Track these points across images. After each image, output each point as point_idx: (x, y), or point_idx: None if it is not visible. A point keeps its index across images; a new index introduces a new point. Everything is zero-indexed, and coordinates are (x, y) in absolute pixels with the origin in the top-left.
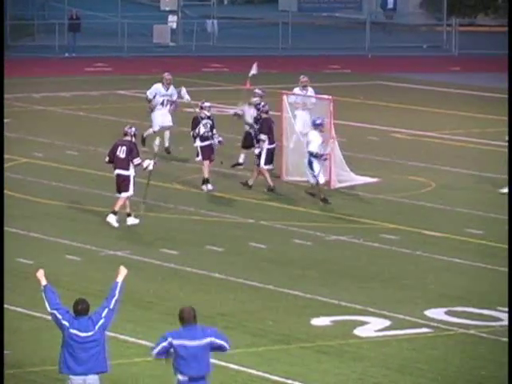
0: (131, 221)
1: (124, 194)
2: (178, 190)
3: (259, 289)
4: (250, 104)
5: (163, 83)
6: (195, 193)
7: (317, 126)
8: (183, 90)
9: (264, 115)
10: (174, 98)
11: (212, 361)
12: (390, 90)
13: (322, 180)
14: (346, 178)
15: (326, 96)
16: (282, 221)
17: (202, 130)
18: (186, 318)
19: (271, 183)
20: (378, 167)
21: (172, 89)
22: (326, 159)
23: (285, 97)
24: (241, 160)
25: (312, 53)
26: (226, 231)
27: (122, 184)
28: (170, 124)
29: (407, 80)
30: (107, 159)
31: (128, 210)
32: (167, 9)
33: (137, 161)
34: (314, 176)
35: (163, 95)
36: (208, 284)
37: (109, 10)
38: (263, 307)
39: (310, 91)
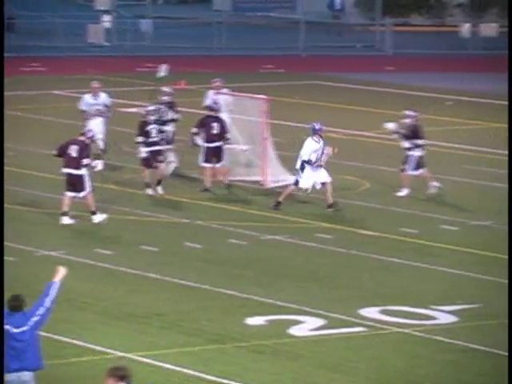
0: (98, 218)
1: (83, 194)
2: (113, 190)
3: (194, 288)
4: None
5: (91, 93)
6: (131, 193)
7: (316, 132)
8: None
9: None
10: (101, 106)
11: (147, 360)
12: (325, 90)
13: (302, 184)
14: (282, 177)
15: (260, 96)
16: (217, 220)
17: (150, 134)
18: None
19: (208, 184)
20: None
21: (103, 97)
22: (320, 166)
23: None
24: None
25: (246, 52)
26: (161, 231)
27: (76, 184)
28: (101, 136)
29: (342, 80)
30: (55, 152)
31: (93, 209)
32: (102, 8)
33: (86, 161)
34: (298, 178)
35: (93, 104)
36: (143, 284)
37: (43, 10)
38: (198, 307)
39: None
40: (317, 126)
